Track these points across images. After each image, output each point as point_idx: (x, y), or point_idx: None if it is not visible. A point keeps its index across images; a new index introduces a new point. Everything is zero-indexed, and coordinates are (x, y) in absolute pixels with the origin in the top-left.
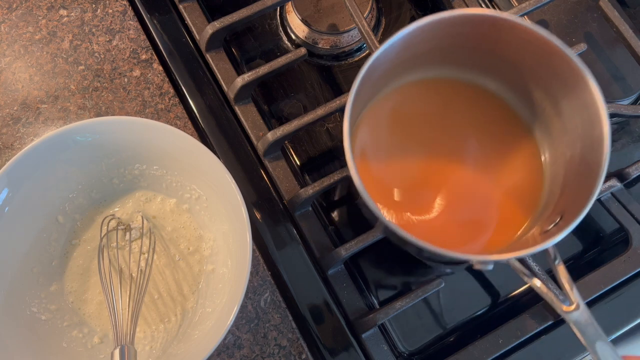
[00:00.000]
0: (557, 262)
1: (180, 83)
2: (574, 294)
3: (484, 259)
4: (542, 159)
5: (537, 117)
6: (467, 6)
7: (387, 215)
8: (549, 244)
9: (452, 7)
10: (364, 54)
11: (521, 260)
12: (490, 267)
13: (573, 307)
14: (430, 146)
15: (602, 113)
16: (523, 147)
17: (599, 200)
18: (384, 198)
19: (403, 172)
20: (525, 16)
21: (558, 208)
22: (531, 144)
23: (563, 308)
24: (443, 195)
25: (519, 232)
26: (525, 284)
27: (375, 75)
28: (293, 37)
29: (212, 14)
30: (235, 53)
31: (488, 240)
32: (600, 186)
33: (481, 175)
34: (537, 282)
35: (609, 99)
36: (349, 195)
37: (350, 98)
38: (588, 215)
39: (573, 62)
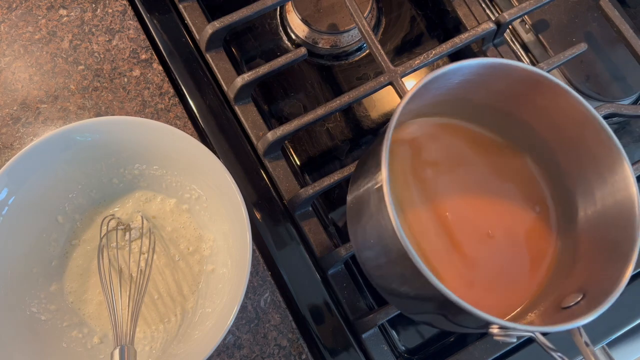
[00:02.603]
0: (584, 340)
1: (180, 83)
2: None
3: (507, 326)
4: (552, 225)
5: (557, 185)
6: (468, 7)
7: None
8: (571, 325)
9: (452, 8)
10: (364, 54)
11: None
12: (514, 339)
13: None
14: (449, 192)
15: (635, 200)
16: (535, 209)
17: None
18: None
19: (423, 218)
20: (526, 15)
21: (575, 282)
22: (543, 209)
23: None
24: (458, 244)
25: (532, 298)
26: None
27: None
28: (293, 36)
29: (212, 14)
30: (235, 53)
31: (501, 302)
32: (630, 272)
33: (497, 230)
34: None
35: (609, 98)
36: None
37: (386, 143)
38: None
39: (611, 140)
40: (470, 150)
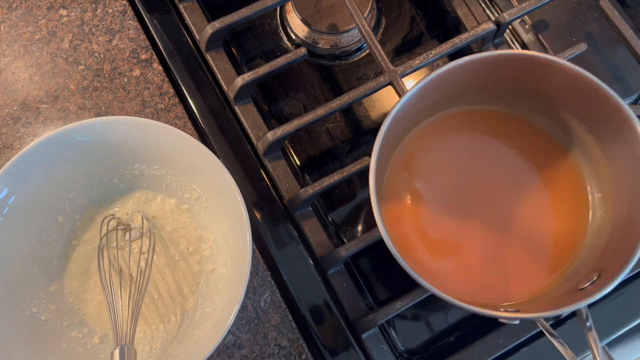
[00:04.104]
0: (588, 324)
1: (180, 83)
2: None
3: (511, 317)
4: (591, 209)
5: (589, 159)
6: (468, 7)
7: (414, 255)
8: (582, 304)
9: (452, 8)
10: (364, 54)
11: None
12: (517, 322)
13: None
14: (468, 182)
15: None
16: (571, 189)
17: None
18: (414, 238)
19: (439, 210)
20: (526, 16)
21: (598, 265)
22: (580, 188)
23: None
24: (476, 233)
25: (551, 284)
26: None
27: (404, 119)
28: (293, 37)
29: (212, 14)
30: (235, 53)
31: (517, 288)
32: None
33: (521, 214)
34: (559, 344)
35: None
36: (349, 195)
37: (375, 151)
38: None
39: (623, 109)
40: (492, 136)
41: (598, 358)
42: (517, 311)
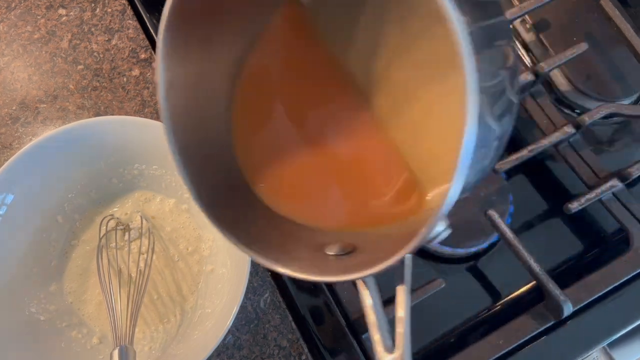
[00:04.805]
0: (406, 269)
1: None
2: (398, 334)
3: (326, 280)
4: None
5: None
6: None
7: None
8: (397, 256)
9: None
10: None
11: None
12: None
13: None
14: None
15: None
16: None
17: (599, 200)
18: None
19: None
20: (527, 15)
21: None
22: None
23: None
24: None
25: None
26: (526, 284)
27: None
28: None
29: None
30: None
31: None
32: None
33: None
34: (369, 307)
35: (609, 98)
36: None
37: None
38: (588, 215)
39: None
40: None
41: (398, 318)
42: (343, 269)
